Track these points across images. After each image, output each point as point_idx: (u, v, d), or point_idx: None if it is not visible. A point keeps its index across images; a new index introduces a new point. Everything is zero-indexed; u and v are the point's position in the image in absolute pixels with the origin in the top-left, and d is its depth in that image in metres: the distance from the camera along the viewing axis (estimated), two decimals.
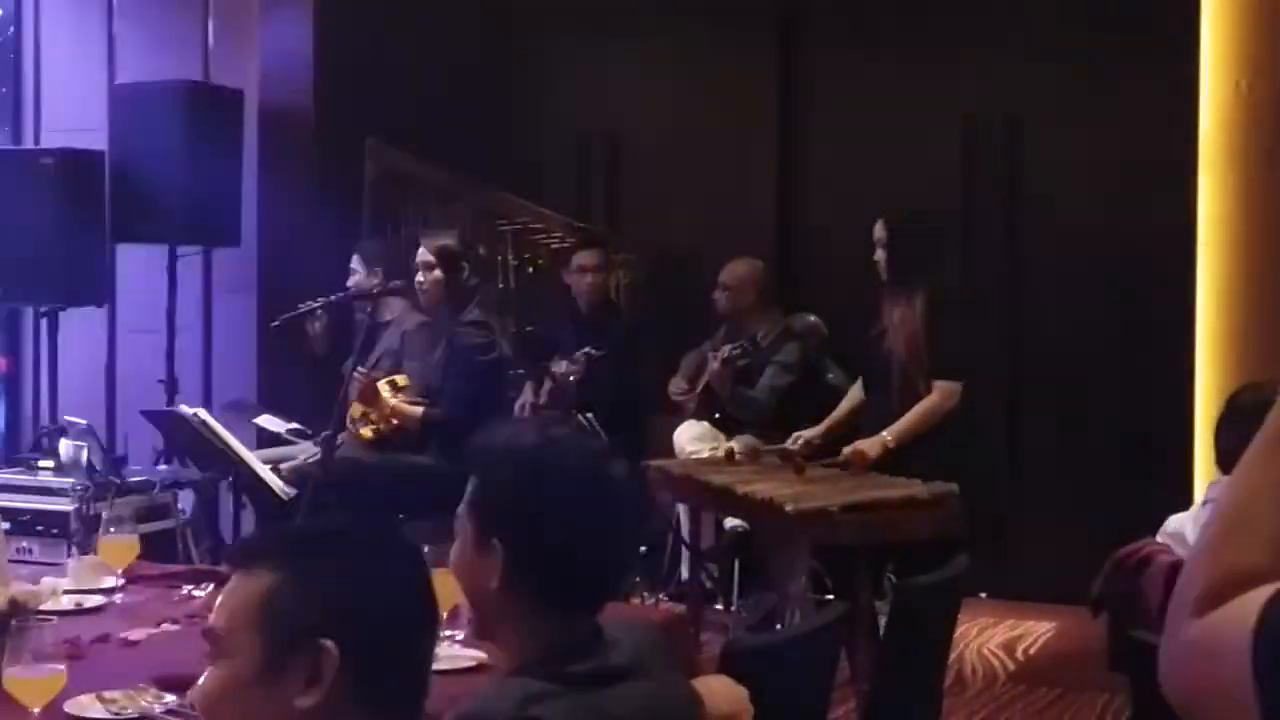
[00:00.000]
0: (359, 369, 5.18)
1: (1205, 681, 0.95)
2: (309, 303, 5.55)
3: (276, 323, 5.76)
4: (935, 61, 6.49)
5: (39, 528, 5.37)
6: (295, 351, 5.93)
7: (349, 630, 1.53)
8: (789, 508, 4.26)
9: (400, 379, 5.25)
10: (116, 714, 2.45)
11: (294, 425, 5.79)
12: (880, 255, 5.11)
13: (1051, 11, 6.35)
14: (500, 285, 6.79)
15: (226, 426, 4.94)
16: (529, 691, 1.74)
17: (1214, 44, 5.86)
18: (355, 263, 5.69)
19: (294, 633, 1.53)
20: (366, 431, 5.26)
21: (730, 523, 5.46)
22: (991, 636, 5.76)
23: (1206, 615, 0.95)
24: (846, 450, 4.94)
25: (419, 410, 5.08)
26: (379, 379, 5.18)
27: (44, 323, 6.65)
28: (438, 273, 5.25)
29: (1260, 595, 0.93)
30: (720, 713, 1.92)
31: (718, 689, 1.97)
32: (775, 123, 6.82)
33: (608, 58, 7.02)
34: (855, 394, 5.35)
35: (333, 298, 5.57)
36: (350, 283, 5.64)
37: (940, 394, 4.96)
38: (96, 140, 6.65)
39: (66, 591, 3.26)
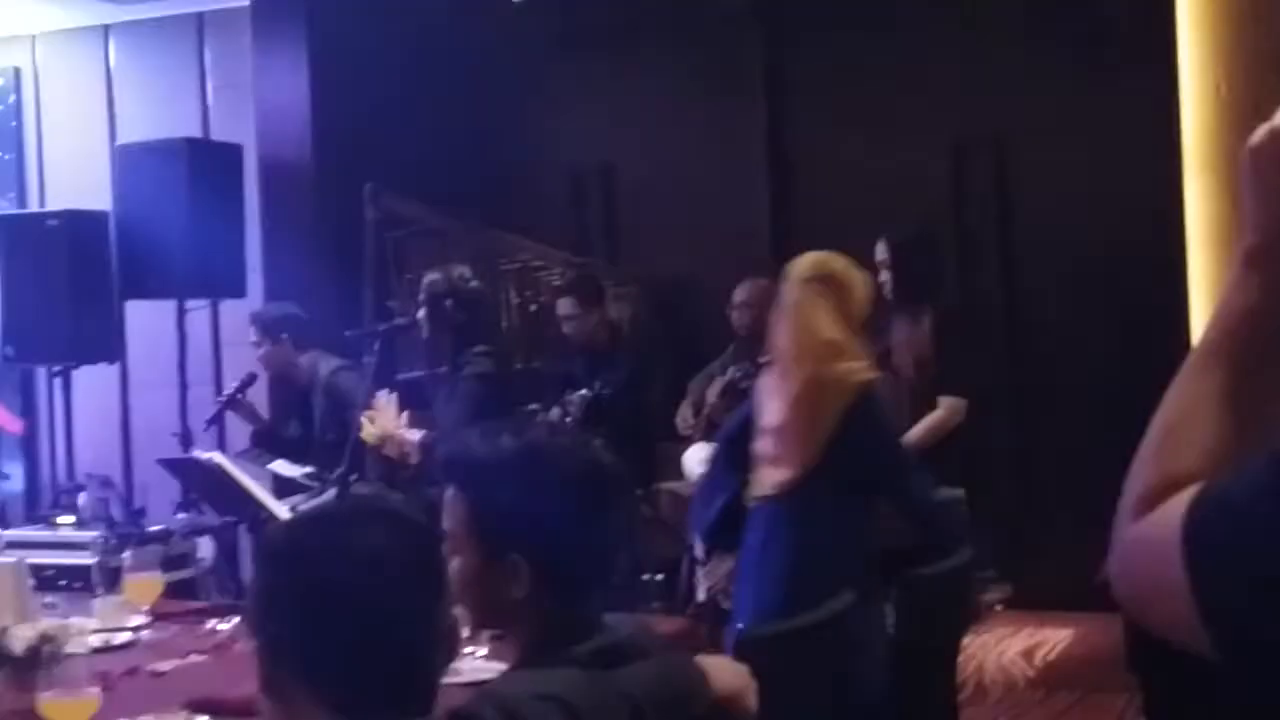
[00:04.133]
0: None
1: (1146, 577, 1.02)
2: (226, 391, 5.72)
3: (207, 422, 5.90)
4: (920, 85, 6.59)
5: (62, 582, 5.43)
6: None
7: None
8: None
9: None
10: None
11: (308, 469, 5.85)
12: (885, 276, 5.17)
13: (1028, 28, 6.45)
14: (504, 324, 6.87)
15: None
16: (543, 676, 1.80)
17: (1191, 50, 5.94)
18: (255, 335, 5.85)
19: None
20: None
21: None
22: (1010, 646, 5.79)
23: (1145, 517, 1.03)
24: None
25: (418, 435, 5.12)
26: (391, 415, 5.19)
27: (57, 382, 6.74)
28: (421, 311, 5.30)
29: (1189, 493, 1.00)
30: (725, 689, 1.97)
31: (720, 665, 2.02)
32: (765, 150, 6.92)
33: (600, 93, 7.12)
34: None
35: (246, 380, 5.76)
36: (259, 354, 5.77)
37: (946, 410, 5.04)
38: (100, 200, 6.76)
39: (94, 631, 3.33)
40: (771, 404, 3.68)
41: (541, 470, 1.92)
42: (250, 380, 5.70)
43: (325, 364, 5.73)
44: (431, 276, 5.31)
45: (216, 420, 5.80)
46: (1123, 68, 6.20)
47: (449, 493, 1.95)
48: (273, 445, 5.93)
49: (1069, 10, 6.37)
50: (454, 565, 1.87)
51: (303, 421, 5.84)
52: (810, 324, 3.70)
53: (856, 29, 6.77)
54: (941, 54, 6.59)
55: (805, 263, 3.85)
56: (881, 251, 5.20)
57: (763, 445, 3.67)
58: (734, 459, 3.84)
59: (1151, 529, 1.02)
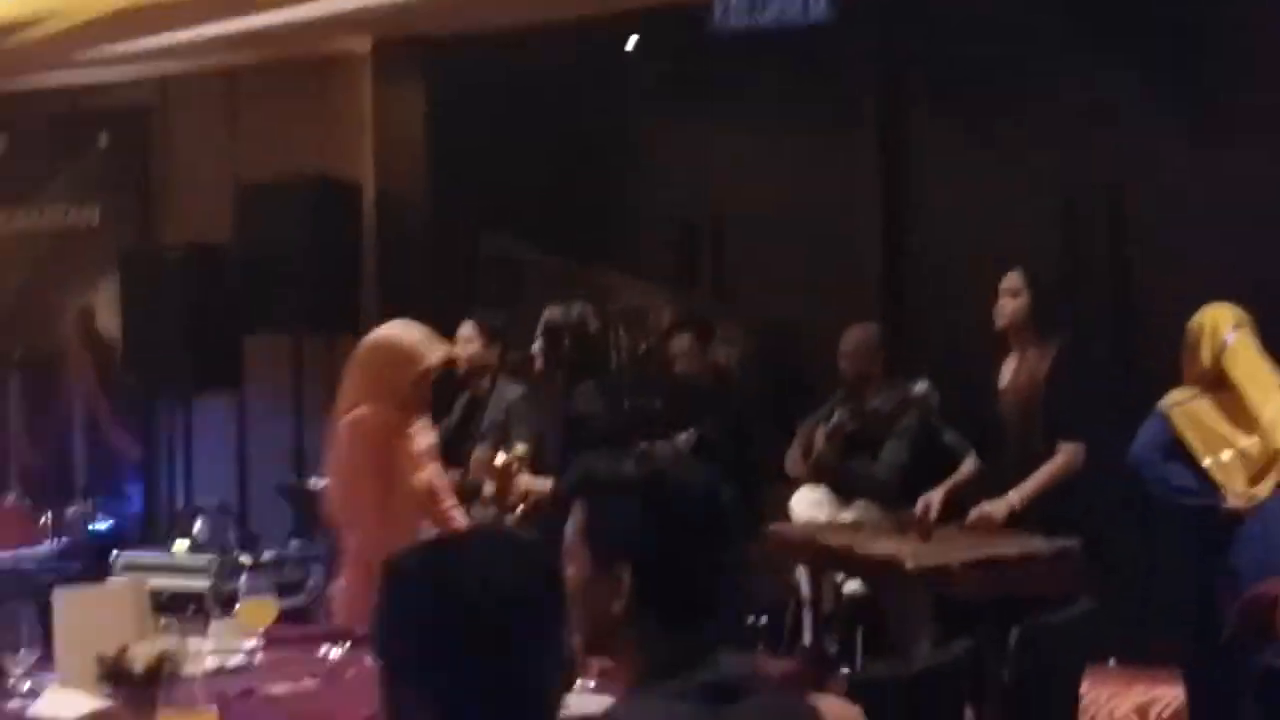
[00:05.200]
0: (499, 453, 5.23)
1: None
2: None
3: None
4: (1035, 135, 6.52)
5: (177, 606, 5.52)
6: None
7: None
8: (909, 564, 4.28)
9: (519, 449, 5.28)
10: None
11: None
12: (1007, 303, 5.09)
13: (1149, 84, 6.36)
14: (613, 363, 6.90)
15: None
16: (652, 707, 1.79)
17: None
18: (471, 332, 5.70)
19: None
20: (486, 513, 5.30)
21: (850, 587, 5.46)
22: (1122, 702, 5.66)
23: None
24: (973, 514, 4.92)
25: (549, 484, 5.12)
26: (513, 464, 5.20)
27: (177, 410, 6.89)
28: (537, 344, 5.31)
29: None
30: None
31: (834, 704, 1.99)
32: (879, 194, 6.87)
33: (710, 136, 7.14)
34: (971, 462, 5.36)
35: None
36: (466, 353, 5.66)
37: (1066, 455, 4.93)
38: (222, 235, 6.90)
39: (210, 652, 3.37)
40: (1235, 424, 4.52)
41: (656, 486, 1.93)
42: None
43: (513, 387, 5.68)
44: (552, 311, 5.36)
45: None
46: (1246, 128, 6.09)
47: (573, 506, 1.98)
48: None
49: (1191, 70, 6.28)
50: (567, 575, 1.89)
51: (456, 429, 5.77)
52: (1263, 360, 4.61)
53: (973, 76, 6.72)
54: (1058, 107, 6.50)
55: (1231, 312, 4.77)
56: (1014, 280, 5.11)
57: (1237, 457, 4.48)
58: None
59: None
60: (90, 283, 7.89)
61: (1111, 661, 5.96)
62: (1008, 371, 5.19)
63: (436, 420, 5.74)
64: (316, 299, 6.70)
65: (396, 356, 3.99)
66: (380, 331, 4.15)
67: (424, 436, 4.09)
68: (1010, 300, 5.08)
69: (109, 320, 7.59)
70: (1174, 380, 6.26)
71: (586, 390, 5.29)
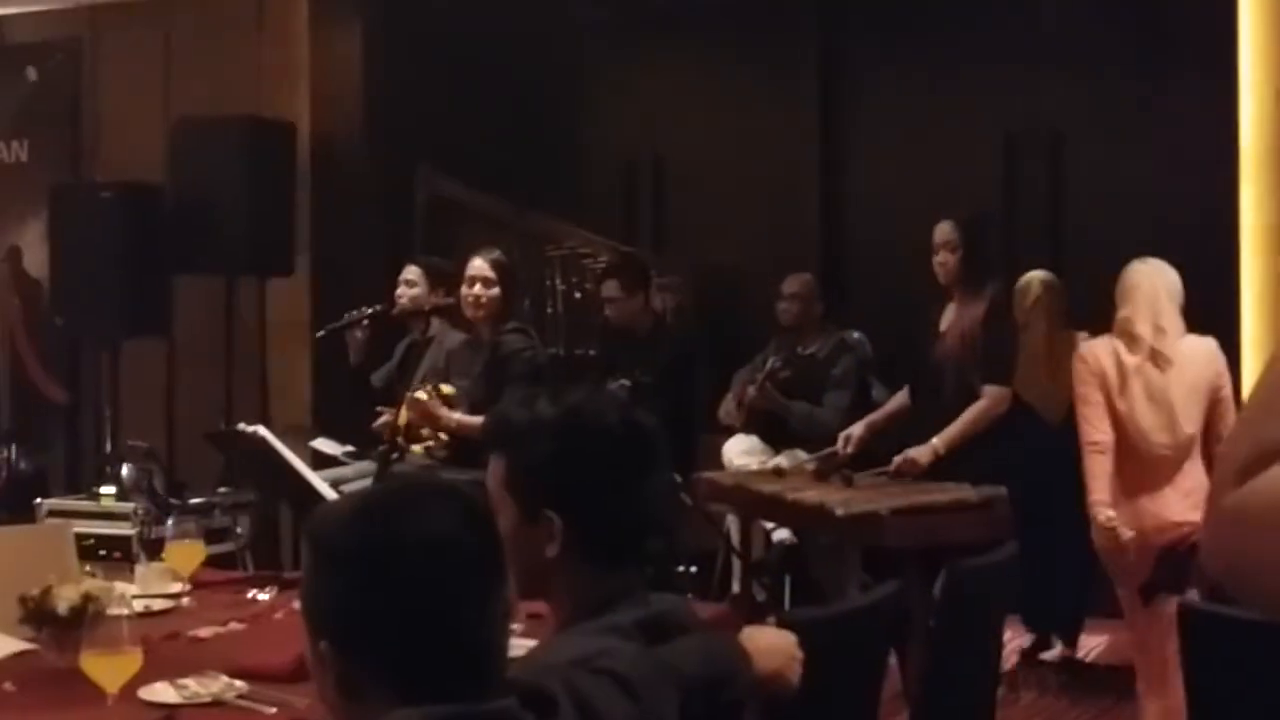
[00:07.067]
0: (417, 392, 5.19)
1: (1242, 545, 1.01)
2: (355, 312, 5.59)
3: (322, 332, 5.80)
4: (975, 77, 6.56)
5: (102, 552, 5.46)
6: (346, 371, 5.97)
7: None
8: (839, 511, 4.31)
9: (445, 388, 5.23)
10: (189, 699, 2.52)
11: (349, 448, 5.86)
12: (947, 258, 5.11)
13: (1090, 26, 6.40)
14: (549, 309, 6.89)
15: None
16: (588, 644, 1.79)
17: (1253, 54, 5.89)
18: (415, 276, 5.63)
19: None
20: (418, 449, 5.28)
21: (779, 535, 5.50)
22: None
23: (1243, 485, 1.01)
24: (897, 459, 4.96)
25: (480, 420, 5.10)
26: (426, 400, 5.15)
27: (104, 353, 6.78)
28: (497, 289, 5.22)
29: None
30: (771, 666, 1.96)
31: (765, 640, 2.00)
32: (818, 142, 6.90)
33: (651, 84, 7.12)
34: (899, 398, 5.39)
35: (381, 309, 5.60)
36: (407, 296, 5.60)
37: (990, 399, 4.97)
38: (154, 173, 6.79)
39: (135, 596, 3.34)
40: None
41: (578, 428, 1.91)
42: (382, 312, 5.57)
43: (454, 334, 5.61)
44: (497, 256, 5.31)
45: (333, 334, 5.66)
46: (1183, 69, 6.15)
47: (491, 457, 1.95)
48: (358, 388, 5.80)
49: (1132, 11, 6.32)
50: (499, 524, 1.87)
51: (396, 374, 5.71)
52: None
53: (913, 23, 6.73)
54: (999, 50, 6.54)
55: None
56: (947, 232, 5.13)
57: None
58: None
59: (1249, 498, 0.99)
60: (18, 221, 7.74)
61: None
62: (948, 317, 5.22)
63: (376, 366, 5.72)
64: (250, 241, 6.61)
65: None
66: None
67: None
68: (948, 255, 5.10)
69: (37, 260, 7.46)
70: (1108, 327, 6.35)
71: (507, 330, 5.24)
